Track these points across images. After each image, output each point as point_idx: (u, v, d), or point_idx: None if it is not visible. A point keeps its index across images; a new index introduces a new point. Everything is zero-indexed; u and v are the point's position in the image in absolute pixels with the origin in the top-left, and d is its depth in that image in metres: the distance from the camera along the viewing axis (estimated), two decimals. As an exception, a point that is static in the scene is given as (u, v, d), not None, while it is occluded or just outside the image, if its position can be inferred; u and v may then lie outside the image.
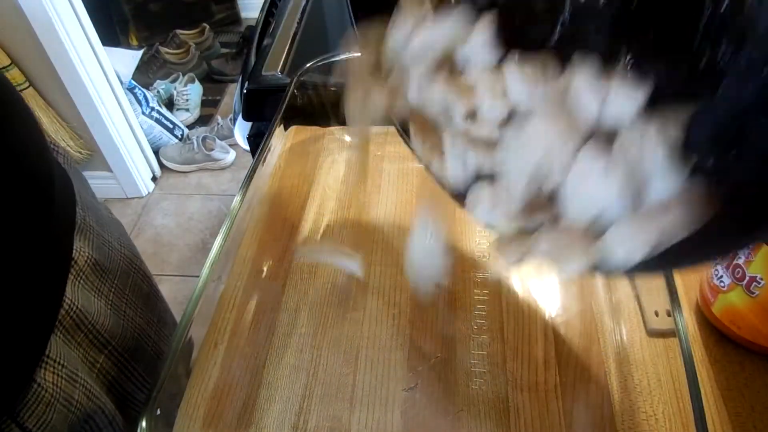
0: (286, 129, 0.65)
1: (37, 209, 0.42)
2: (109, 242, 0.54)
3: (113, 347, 0.50)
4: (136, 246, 0.62)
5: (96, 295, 0.49)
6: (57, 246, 0.45)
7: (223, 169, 1.98)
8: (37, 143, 0.45)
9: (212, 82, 2.35)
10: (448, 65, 0.31)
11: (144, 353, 0.55)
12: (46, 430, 0.41)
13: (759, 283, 0.41)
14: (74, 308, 0.46)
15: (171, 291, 1.57)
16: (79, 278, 0.48)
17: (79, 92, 1.59)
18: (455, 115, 0.30)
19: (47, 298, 0.43)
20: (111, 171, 1.80)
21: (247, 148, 0.80)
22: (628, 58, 0.25)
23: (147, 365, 0.54)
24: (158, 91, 2.13)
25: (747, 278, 0.42)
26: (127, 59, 2.12)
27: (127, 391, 0.52)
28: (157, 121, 1.98)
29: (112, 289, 0.52)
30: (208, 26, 2.46)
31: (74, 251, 0.48)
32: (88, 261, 0.49)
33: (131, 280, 0.56)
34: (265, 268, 0.54)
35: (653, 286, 0.44)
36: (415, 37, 0.30)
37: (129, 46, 2.40)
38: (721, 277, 0.44)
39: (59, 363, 0.42)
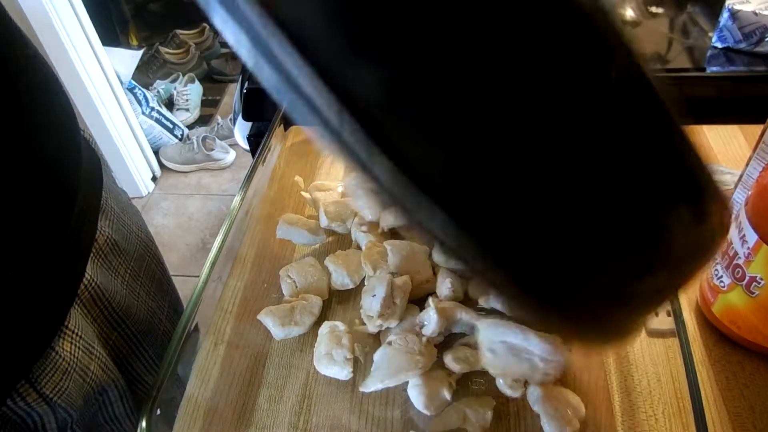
0: (286, 129, 0.65)
1: (66, 186, 0.44)
2: (128, 225, 0.55)
3: (126, 326, 0.51)
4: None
5: (113, 275, 0.51)
6: (83, 221, 0.46)
7: (223, 169, 1.98)
8: (68, 121, 0.46)
9: (212, 82, 2.34)
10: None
11: (155, 337, 0.56)
12: (62, 397, 0.42)
13: (759, 283, 0.41)
14: (93, 284, 0.47)
15: (171, 291, 1.57)
16: (98, 257, 0.49)
17: (79, 92, 1.59)
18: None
19: (70, 271, 0.44)
20: (111, 171, 1.80)
21: (247, 148, 0.80)
22: None
23: (157, 349, 0.55)
24: (158, 91, 2.13)
25: (747, 278, 0.42)
26: (127, 59, 2.12)
27: (136, 371, 0.53)
28: (157, 121, 1.98)
29: (128, 271, 0.53)
30: (208, 26, 2.46)
31: (96, 231, 0.49)
32: (108, 241, 0.50)
33: (146, 264, 0.58)
34: (264, 268, 0.54)
35: (653, 286, 0.44)
36: None
37: (129, 46, 2.39)
38: (721, 277, 0.44)
39: (77, 334, 0.43)
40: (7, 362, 0.38)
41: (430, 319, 0.44)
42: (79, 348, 0.43)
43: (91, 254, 0.48)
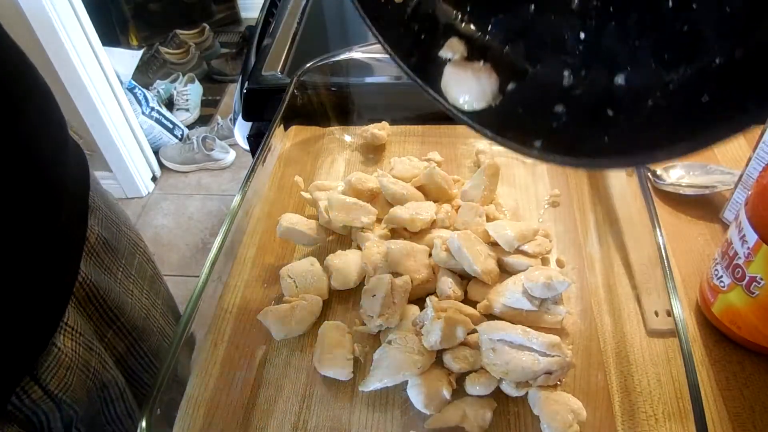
0: (286, 129, 0.65)
1: (54, 182, 0.44)
2: (116, 223, 0.56)
3: (121, 323, 0.52)
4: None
5: (106, 273, 0.51)
6: (73, 215, 0.47)
7: (223, 169, 1.98)
8: (55, 121, 0.46)
9: (212, 82, 2.35)
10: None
11: (150, 334, 0.56)
12: (67, 392, 0.42)
13: (759, 283, 0.41)
14: (87, 281, 0.47)
15: (171, 291, 1.57)
16: (90, 255, 0.49)
17: (79, 92, 1.59)
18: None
19: (64, 264, 0.45)
20: (111, 171, 1.80)
21: (247, 148, 0.79)
22: None
23: (153, 347, 0.56)
24: (158, 91, 2.13)
25: (747, 278, 0.42)
26: (127, 59, 2.12)
27: (133, 370, 0.53)
28: (157, 121, 1.98)
29: (120, 268, 0.54)
30: (208, 26, 2.46)
31: (87, 228, 0.49)
32: (99, 239, 0.51)
33: (137, 261, 0.58)
34: (264, 268, 0.54)
35: (653, 286, 0.44)
36: None
37: (129, 46, 2.40)
38: (721, 277, 0.44)
39: (76, 331, 0.44)
40: (10, 357, 0.39)
41: (431, 331, 0.43)
42: (79, 344, 0.44)
43: (84, 252, 0.48)
